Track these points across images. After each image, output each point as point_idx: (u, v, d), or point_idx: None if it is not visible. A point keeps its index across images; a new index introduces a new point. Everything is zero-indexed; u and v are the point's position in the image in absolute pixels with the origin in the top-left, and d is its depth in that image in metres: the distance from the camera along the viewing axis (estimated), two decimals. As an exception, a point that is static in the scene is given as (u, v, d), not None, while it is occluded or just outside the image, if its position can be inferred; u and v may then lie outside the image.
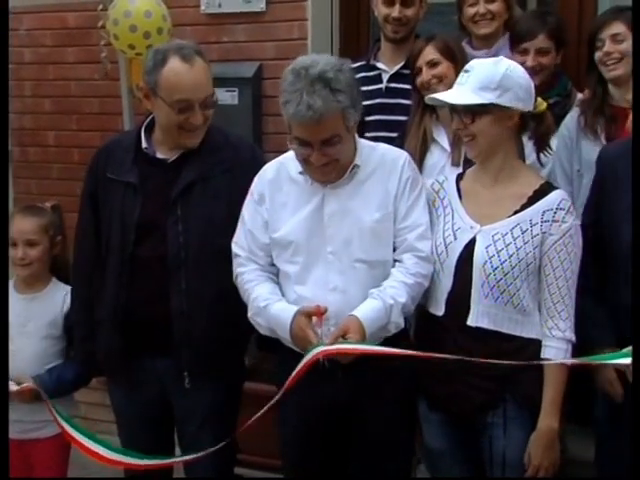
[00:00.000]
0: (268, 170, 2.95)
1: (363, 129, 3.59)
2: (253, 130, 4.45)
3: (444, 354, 2.58)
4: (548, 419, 2.73)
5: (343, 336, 2.64)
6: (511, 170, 2.83)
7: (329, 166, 2.77)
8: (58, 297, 3.45)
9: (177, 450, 3.33)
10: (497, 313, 2.75)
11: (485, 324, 2.75)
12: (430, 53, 3.48)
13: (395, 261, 2.85)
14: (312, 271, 2.83)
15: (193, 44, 3.11)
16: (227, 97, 4.43)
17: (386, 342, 2.77)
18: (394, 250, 2.86)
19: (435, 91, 3.15)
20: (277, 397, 2.67)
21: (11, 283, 3.50)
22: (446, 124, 3.35)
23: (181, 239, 3.03)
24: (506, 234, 2.74)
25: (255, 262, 2.92)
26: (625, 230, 2.74)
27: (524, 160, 2.97)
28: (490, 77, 2.72)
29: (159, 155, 3.13)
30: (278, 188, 2.90)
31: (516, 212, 2.77)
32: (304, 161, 2.79)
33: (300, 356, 2.66)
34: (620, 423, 2.79)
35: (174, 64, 2.98)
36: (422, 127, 3.53)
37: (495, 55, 3.20)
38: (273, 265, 2.94)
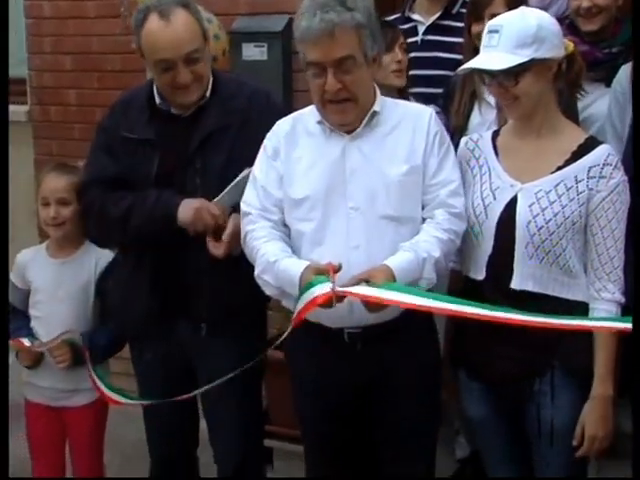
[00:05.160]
0: (282, 124, 2.82)
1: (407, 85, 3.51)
2: (283, 87, 4.31)
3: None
4: (602, 386, 2.64)
5: (367, 281, 2.43)
6: (553, 124, 2.70)
7: (346, 104, 2.63)
8: (90, 261, 3.35)
9: (202, 423, 3.28)
10: (542, 275, 2.63)
11: (530, 287, 2.64)
12: (500, 6, 3.24)
13: (424, 219, 2.70)
14: (330, 228, 2.67)
15: None
16: (256, 52, 4.32)
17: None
18: (423, 208, 2.71)
19: None
20: (284, 335, 2.50)
21: (43, 247, 3.45)
22: None
23: (199, 193, 2.97)
24: (550, 191, 2.62)
25: (267, 219, 2.76)
26: None
27: (576, 114, 2.82)
28: (524, 32, 2.57)
29: (174, 111, 3.06)
30: (294, 142, 2.77)
31: (559, 168, 2.64)
32: (320, 100, 2.65)
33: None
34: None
35: (151, 23, 2.90)
36: (471, 82, 3.35)
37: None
38: (286, 226, 2.78)
